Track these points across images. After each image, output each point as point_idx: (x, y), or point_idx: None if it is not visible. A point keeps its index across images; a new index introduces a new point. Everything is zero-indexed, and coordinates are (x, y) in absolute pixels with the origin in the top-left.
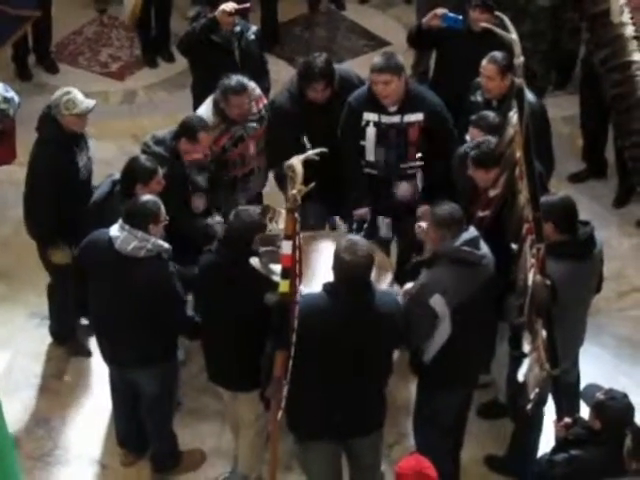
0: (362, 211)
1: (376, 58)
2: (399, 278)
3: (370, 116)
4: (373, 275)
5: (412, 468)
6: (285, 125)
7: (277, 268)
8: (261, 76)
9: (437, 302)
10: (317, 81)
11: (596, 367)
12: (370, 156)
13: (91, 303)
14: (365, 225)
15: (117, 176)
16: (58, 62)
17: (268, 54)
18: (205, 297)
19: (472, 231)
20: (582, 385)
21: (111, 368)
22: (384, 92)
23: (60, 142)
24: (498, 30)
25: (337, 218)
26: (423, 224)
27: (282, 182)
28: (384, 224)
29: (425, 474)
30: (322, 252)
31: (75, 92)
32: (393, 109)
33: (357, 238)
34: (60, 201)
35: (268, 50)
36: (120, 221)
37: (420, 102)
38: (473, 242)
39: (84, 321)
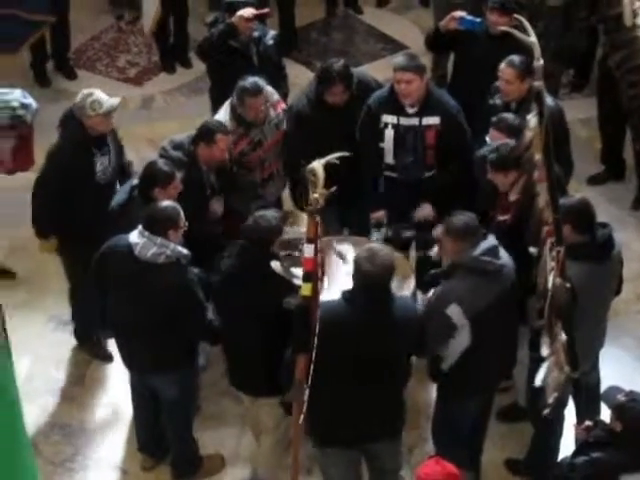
0: (379, 213)
1: (399, 57)
2: (420, 286)
3: (389, 118)
4: (395, 282)
5: (439, 473)
6: (304, 130)
7: (299, 272)
8: (279, 81)
9: (454, 312)
10: (336, 85)
11: (616, 369)
12: (389, 159)
13: (111, 309)
14: (383, 229)
15: (136, 181)
16: (76, 68)
17: (286, 59)
18: (226, 302)
19: (491, 240)
20: (602, 387)
21: (131, 373)
22: (406, 91)
23: (80, 144)
24: (517, 33)
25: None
26: (435, 250)
27: (295, 188)
28: (405, 232)
29: (453, 474)
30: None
31: (98, 92)
32: (412, 111)
33: (378, 247)
34: (69, 200)
35: (286, 55)
36: (139, 227)
37: (439, 105)
38: (492, 251)
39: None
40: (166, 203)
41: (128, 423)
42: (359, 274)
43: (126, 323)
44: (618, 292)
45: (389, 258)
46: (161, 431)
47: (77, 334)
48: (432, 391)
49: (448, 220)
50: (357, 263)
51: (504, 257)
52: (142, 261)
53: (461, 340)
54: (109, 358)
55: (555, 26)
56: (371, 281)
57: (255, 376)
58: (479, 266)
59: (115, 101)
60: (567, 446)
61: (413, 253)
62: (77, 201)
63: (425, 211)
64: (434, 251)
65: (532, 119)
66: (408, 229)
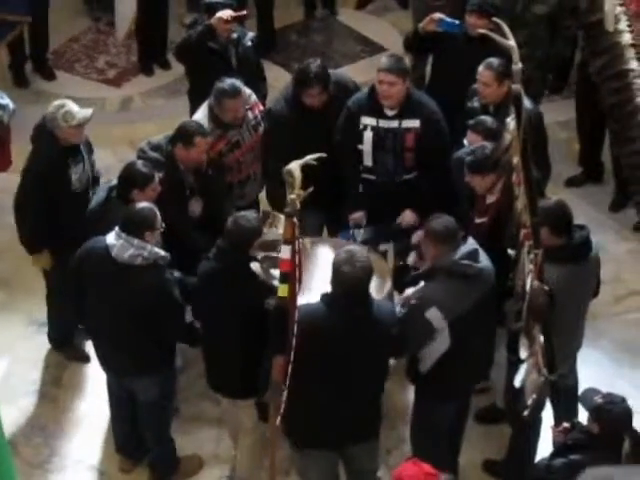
0: (358, 215)
1: (384, 58)
2: (397, 287)
3: (368, 120)
4: (373, 283)
5: (417, 473)
6: (282, 132)
7: (278, 273)
8: (258, 82)
9: (433, 315)
10: (312, 86)
11: (595, 371)
12: (368, 161)
13: (88, 311)
14: (361, 230)
15: (114, 182)
16: (55, 69)
17: (265, 60)
18: (205, 304)
19: (471, 243)
20: (580, 389)
21: (108, 375)
22: (387, 92)
23: (53, 156)
24: (495, 36)
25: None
26: (412, 257)
27: (272, 191)
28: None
29: (431, 474)
30: (320, 258)
31: (70, 104)
32: (391, 113)
33: (355, 249)
34: (51, 211)
35: (265, 56)
36: (116, 229)
37: (418, 108)
38: (472, 255)
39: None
40: (142, 205)
41: (106, 424)
42: (338, 277)
43: (103, 325)
44: (596, 294)
45: (368, 260)
46: (139, 433)
47: (52, 338)
48: (410, 393)
49: (428, 224)
50: (336, 266)
51: (484, 261)
52: (119, 263)
53: (440, 343)
54: (86, 359)
55: (541, 34)
56: (350, 283)
57: (234, 378)
58: (459, 270)
59: (87, 112)
60: (545, 448)
61: (390, 256)
62: (56, 210)
63: (408, 217)
64: (411, 259)
65: (511, 122)
66: (384, 240)
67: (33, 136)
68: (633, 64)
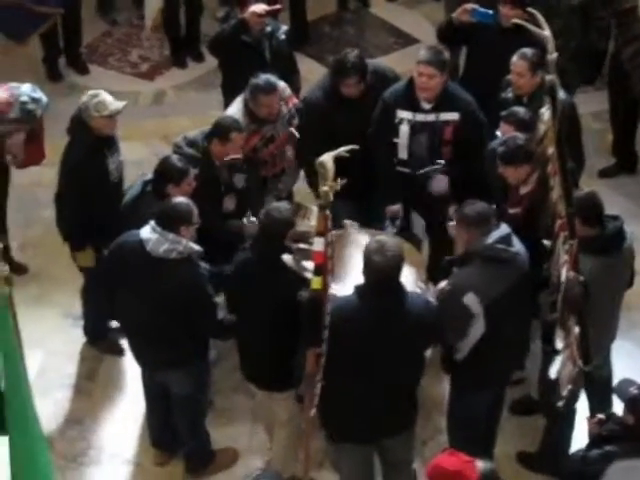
0: (394, 208)
1: (423, 50)
2: (432, 277)
3: (404, 114)
4: (408, 274)
5: (455, 463)
6: (318, 121)
7: (310, 265)
8: (291, 76)
9: (470, 301)
10: (350, 76)
11: (629, 363)
12: (403, 154)
13: (121, 305)
14: (398, 222)
15: (149, 177)
16: (88, 63)
17: (297, 53)
18: (240, 295)
19: (504, 228)
20: (615, 381)
21: (143, 370)
22: (425, 85)
23: (90, 145)
24: (530, 26)
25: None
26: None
27: (312, 180)
28: (419, 224)
29: (468, 462)
30: (355, 249)
31: (104, 94)
32: (428, 107)
33: (386, 238)
34: (91, 204)
35: (297, 49)
36: (152, 223)
37: (456, 101)
38: (505, 239)
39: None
40: (180, 199)
41: (141, 418)
42: (369, 266)
43: (137, 319)
44: (630, 285)
45: (399, 249)
46: (174, 426)
47: (87, 332)
48: (445, 383)
49: (460, 209)
50: (366, 255)
51: (517, 245)
52: (154, 257)
53: (476, 329)
54: (120, 352)
55: (575, 25)
56: (381, 272)
57: (267, 369)
58: (493, 254)
59: (120, 104)
60: (579, 439)
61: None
62: (94, 203)
63: (441, 182)
64: (451, 225)
65: (545, 112)
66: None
67: (69, 128)
68: None
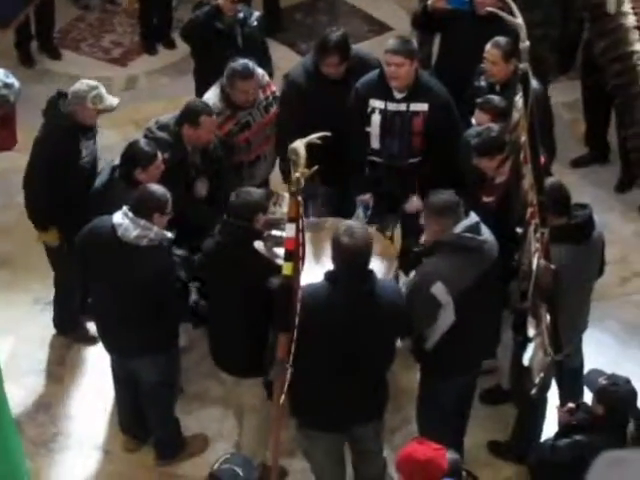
0: (366, 197)
1: (391, 39)
2: (403, 267)
3: (376, 103)
4: (379, 263)
5: (423, 452)
6: (297, 99)
7: (281, 252)
8: (264, 62)
9: (439, 290)
10: (332, 54)
11: (600, 352)
12: (375, 143)
13: (92, 291)
14: (369, 211)
15: (117, 162)
16: (61, 48)
17: (270, 40)
18: (210, 280)
19: (473, 217)
20: (586, 370)
21: (112, 356)
22: (395, 74)
23: (66, 128)
24: (504, 14)
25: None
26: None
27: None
28: (392, 216)
29: (438, 450)
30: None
31: (102, 88)
32: (400, 96)
33: (354, 223)
34: (60, 185)
35: (270, 36)
36: (124, 208)
37: (427, 92)
38: (474, 228)
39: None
40: (156, 187)
41: (111, 404)
42: (338, 249)
43: (107, 305)
44: (600, 274)
45: (367, 233)
46: (144, 413)
47: (56, 324)
48: (415, 373)
49: (428, 199)
50: (335, 239)
51: (486, 233)
52: (124, 243)
53: (445, 318)
54: (92, 341)
55: (555, 16)
56: (351, 255)
57: (239, 356)
58: (461, 243)
59: (115, 101)
60: (550, 429)
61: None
62: (65, 187)
63: (414, 204)
64: (423, 239)
65: (519, 100)
66: (390, 223)
67: (46, 109)
68: (637, 46)
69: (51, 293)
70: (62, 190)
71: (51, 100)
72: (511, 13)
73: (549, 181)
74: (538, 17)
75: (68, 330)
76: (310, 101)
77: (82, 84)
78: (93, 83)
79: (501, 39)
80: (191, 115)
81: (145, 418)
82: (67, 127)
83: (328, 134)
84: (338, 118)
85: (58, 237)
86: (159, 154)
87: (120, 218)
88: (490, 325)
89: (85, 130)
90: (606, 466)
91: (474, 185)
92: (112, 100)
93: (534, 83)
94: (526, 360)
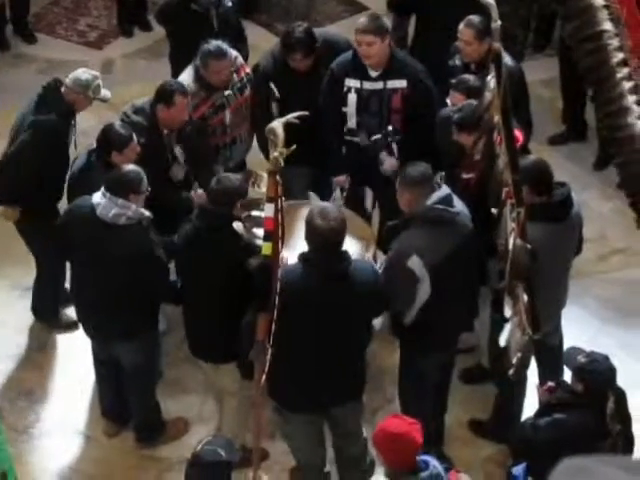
0: (341, 178)
1: (362, 18)
2: (380, 246)
3: (352, 82)
4: (355, 245)
5: (400, 425)
6: (267, 88)
7: (261, 232)
8: (239, 43)
9: (415, 264)
10: (295, 51)
11: (579, 329)
12: (352, 123)
13: (73, 275)
14: (344, 193)
15: (94, 146)
16: (36, 32)
17: (246, 21)
18: (188, 266)
19: (444, 189)
20: (565, 347)
21: (92, 340)
22: (366, 52)
23: (65, 115)
24: None
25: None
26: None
27: (265, 147)
28: (368, 196)
29: (414, 423)
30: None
31: (100, 79)
32: (375, 75)
33: (328, 205)
34: (48, 172)
35: (246, 17)
36: (102, 188)
37: (403, 69)
38: (446, 200)
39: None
40: (130, 167)
41: (92, 389)
42: (312, 230)
43: (88, 287)
44: (579, 251)
45: (341, 214)
46: (124, 397)
47: (36, 311)
48: (396, 353)
49: (403, 170)
50: (309, 220)
51: (458, 205)
52: (104, 222)
53: (422, 292)
54: (72, 326)
55: None
56: (325, 236)
57: (214, 341)
58: (434, 215)
59: (108, 94)
60: (531, 407)
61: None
62: (49, 171)
63: (390, 162)
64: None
65: (491, 80)
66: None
67: (44, 94)
68: (607, 25)
69: (29, 279)
70: (49, 174)
71: (51, 85)
72: None
73: (532, 159)
74: None
75: (48, 317)
76: (281, 91)
77: (86, 73)
78: (95, 73)
79: (474, 18)
80: (165, 94)
81: (126, 402)
82: (66, 113)
83: (306, 114)
84: (311, 105)
85: (16, 217)
86: (134, 136)
87: (98, 198)
88: (467, 298)
89: (73, 117)
90: (569, 475)
91: (453, 161)
92: (106, 93)
93: (508, 60)
94: (502, 341)
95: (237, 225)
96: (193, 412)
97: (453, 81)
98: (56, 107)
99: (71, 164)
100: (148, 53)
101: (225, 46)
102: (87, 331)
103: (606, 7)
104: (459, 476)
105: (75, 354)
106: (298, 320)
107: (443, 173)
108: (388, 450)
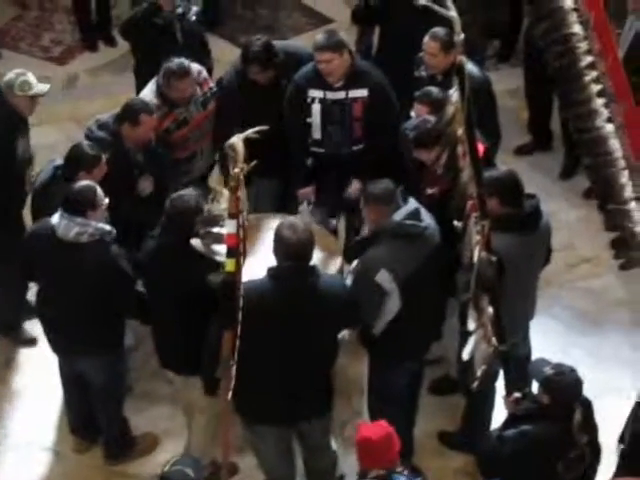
0: (306, 190)
1: (318, 36)
2: (346, 258)
3: (315, 93)
4: (322, 258)
5: (378, 432)
6: (231, 102)
7: (220, 249)
8: (203, 56)
9: (383, 278)
10: (253, 64)
11: (548, 339)
12: (316, 134)
13: (38, 293)
14: (311, 205)
15: (59, 161)
16: (0, 48)
17: (210, 34)
18: (151, 283)
19: (412, 203)
20: (534, 357)
21: (59, 357)
22: (327, 70)
23: (5, 122)
24: (436, 7)
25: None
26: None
27: (223, 160)
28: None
29: (390, 431)
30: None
31: (29, 74)
32: (338, 85)
33: (296, 219)
34: None
35: (210, 30)
36: (60, 209)
37: (365, 78)
38: (414, 214)
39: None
40: (81, 184)
41: (60, 405)
42: (280, 244)
43: (54, 307)
44: (547, 262)
45: (309, 229)
46: (93, 413)
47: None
48: (364, 364)
49: (366, 188)
50: (278, 233)
51: (427, 219)
52: (65, 242)
53: (391, 306)
54: (32, 342)
55: (478, 1)
56: (293, 250)
57: (183, 355)
58: (403, 230)
59: (44, 87)
60: (500, 418)
61: (341, 231)
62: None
63: (356, 187)
64: (365, 231)
65: (454, 93)
66: (334, 215)
67: None
68: (576, 28)
69: None
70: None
71: None
72: (444, 5)
73: (502, 170)
74: (464, 4)
75: (8, 331)
76: (243, 105)
77: (10, 73)
78: (19, 70)
79: (439, 31)
80: (131, 114)
81: (94, 418)
82: (6, 120)
83: (266, 128)
84: (273, 118)
85: None
86: (103, 157)
87: (57, 219)
88: (436, 309)
89: (21, 125)
90: None
91: (415, 176)
92: (41, 86)
93: (475, 71)
94: (466, 354)
95: (195, 242)
96: (162, 427)
97: (417, 93)
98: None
99: (35, 176)
100: (112, 67)
101: (187, 63)
102: (53, 347)
103: (575, 10)
104: None
105: (43, 370)
106: (265, 335)
107: (401, 187)
108: (369, 456)
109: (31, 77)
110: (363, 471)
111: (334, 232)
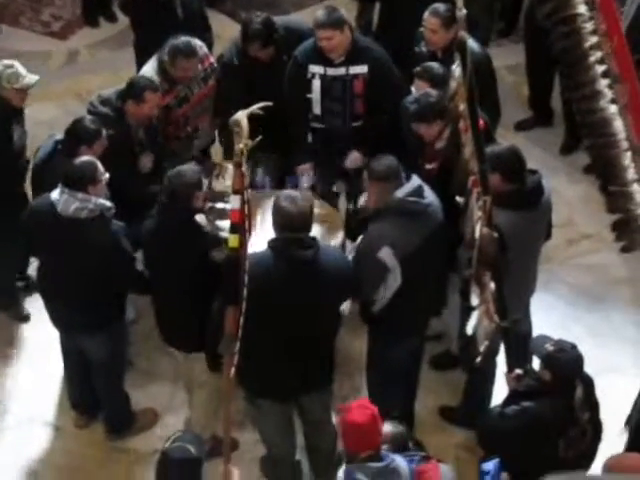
0: (305, 166)
1: (318, 13)
2: (348, 234)
3: (316, 69)
4: (324, 233)
5: (365, 416)
6: (232, 79)
7: (224, 224)
8: (203, 32)
9: (386, 255)
10: (252, 42)
11: (548, 316)
12: (317, 109)
13: (39, 270)
14: (311, 180)
15: (59, 136)
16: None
17: (211, 10)
18: (154, 258)
19: (415, 180)
20: (535, 334)
21: (60, 333)
22: (328, 47)
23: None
24: None
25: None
26: (363, 198)
27: (224, 136)
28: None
29: (377, 416)
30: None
31: (18, 66)
32: (338, 61)
33: (296, 192)
34: None
35: (211, 6)
36: (60, 185)
37: (365, 54)
38: (417, 191)
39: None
40: (81, 159)
41: (60, 380)
42: (280, 216)
43: (54, 282)
44: (548, 237)
45: (309, 200)
46: (93, 389)
47: None
48: (364, 341)
49: (370, 165)
50: (277, 206)
51: (429, 196)
52: (65, 218)
53: (392, 282)
54: (26, 319)
55: None
56: (292, 220)
57: (184, 331)
58: (406, 207)
59: (33, 79)
60: (500, 394)
61: (342, 205)
62: None
63: (354, 159)
64: (362, 200)
65: (456, 69)
66: (335, 183)
67: None
68: (581, 8)
69: None
70: None
71: None
72: None
73: (504, 147)
74: None
75: (8, 307)
76: (244, 80)
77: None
78: (7, 62)
79: (440, 6)
80: (135, 91)
81: (95, 394)
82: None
83: (270, 104)
84: (274, 94)
85: None
86: (104, 131)
87: (57, 195)
88: (436, 286)
89: (15, 113)
90: None
91: (415, 151)
92: (29, 78)
93: (475, 47)
94: (469, 329)
95: (200, 217)
96: (163, 402)
97: (417, 69)
98: None
99: (35, 151)
100: (113, 43)
101: (194, 43)
102: (54, 323)
103: None
104: (433, 467)
105: (44, 346)
106: (267, 308)
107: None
108: (350, 438)
109: (20, 68)
110: (351, 455)
111: (335, 206)
